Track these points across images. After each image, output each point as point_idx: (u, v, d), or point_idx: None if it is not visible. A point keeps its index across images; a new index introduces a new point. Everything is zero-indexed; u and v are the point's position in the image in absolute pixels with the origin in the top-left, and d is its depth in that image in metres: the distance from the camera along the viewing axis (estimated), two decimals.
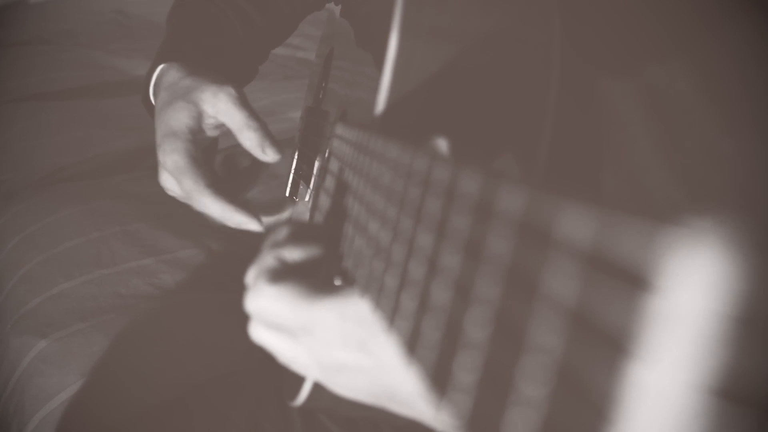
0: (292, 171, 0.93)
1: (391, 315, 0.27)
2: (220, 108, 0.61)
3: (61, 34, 1.77)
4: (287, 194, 0.91)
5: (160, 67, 0.70)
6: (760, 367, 0.12)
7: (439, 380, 0.21)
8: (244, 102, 0.62)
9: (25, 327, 0.91)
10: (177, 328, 0.87)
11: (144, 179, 1.16)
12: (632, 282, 0.13)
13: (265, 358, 0.49)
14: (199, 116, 0.62)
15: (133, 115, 1.37)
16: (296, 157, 0.94)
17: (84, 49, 1.69)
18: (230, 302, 0.89)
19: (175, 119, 0.63)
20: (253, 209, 0.63)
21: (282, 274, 0.41)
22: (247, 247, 0.99)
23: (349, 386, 0.39)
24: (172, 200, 0.69)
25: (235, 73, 0.75)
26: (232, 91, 0.61)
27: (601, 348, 0.14)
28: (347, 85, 0.73)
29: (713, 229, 0.12)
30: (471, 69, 0.46)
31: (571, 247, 0.16)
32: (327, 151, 0.67)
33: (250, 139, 0.61)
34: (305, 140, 0.90)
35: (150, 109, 0.73)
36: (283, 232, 0.46)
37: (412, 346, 0.24)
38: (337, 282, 0.45)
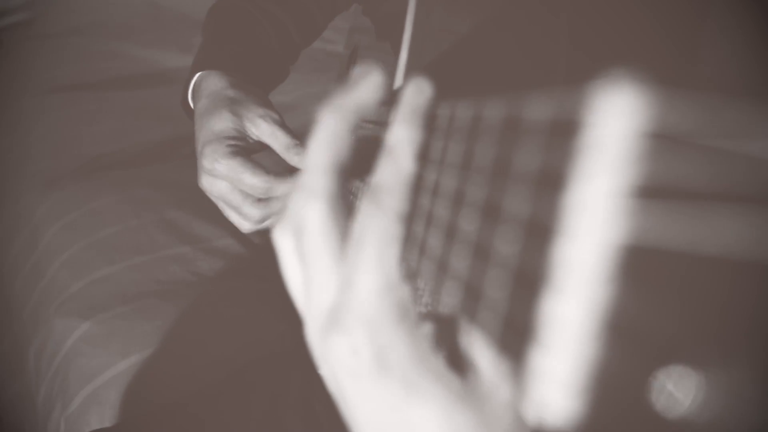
0: None
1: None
2: (265, 131, 0.65)
3: (93, 26, 1.80)
4: None
5: (201, 72, 0.73)
6: (670, 169, 0.16)
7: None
8: (286, 127, 0.67)
9: (69, 310, 0.95)
10: (216, 313, 0.90)
11: (180, 168, 1.19)
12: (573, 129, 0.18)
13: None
14: (242, 129, 0.66)
15: (167, 106, 1.41)
16: None
17: (116, 41, 1.72)
18: (267, 291, 0.93)
19: (220, 126, 0.66)
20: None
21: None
22: None
23: None
24: None
25: (270, 78, 0.78)
26: (276, 117, 0.66)
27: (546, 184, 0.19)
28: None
29: (627, 76, 0.17)
30: (483, 39, 0.48)
31: (535, 126, 0.20)
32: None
33: (293, 158, 0.67)
34: None
35: (189, 112, 0.76)
36: None
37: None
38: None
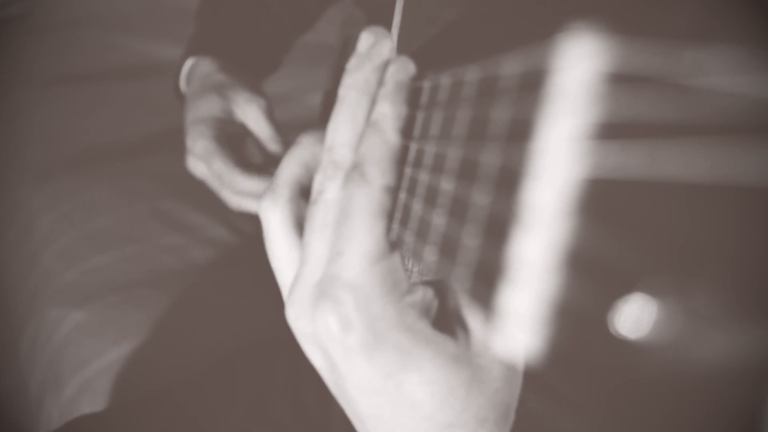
0: None
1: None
2: (250, 116, 0.66)
3: (91, 18, 1.80)
4: None
5: (192, 59, 0.74)
6: (627, 108, 0.17)
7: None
8: (271, 115, 0.67)
9: (62, 299, 0.95)
10: (208, 302, 0.90)
11: (174, 159, 1.20)
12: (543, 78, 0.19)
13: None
14: (228, 111, 0.66)
15: (161, 98, 1.41)
16: None
17: (113, 33, 1.72)
18: (259, 280, 0.93)
19: (206, 108, 0.66)
20: None
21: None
22: None
23: None
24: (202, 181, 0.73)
25: (262, 66, 0.78)
26: (263, 103, 0.66)
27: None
28: None
29: (589, 26, 0.17)
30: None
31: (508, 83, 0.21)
32: None
33: (275, 150, 0.68)
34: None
35: (180, 97, 0.76)
36: None
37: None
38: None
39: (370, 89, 0.34)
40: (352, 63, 0.35)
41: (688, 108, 0.16)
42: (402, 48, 0.54)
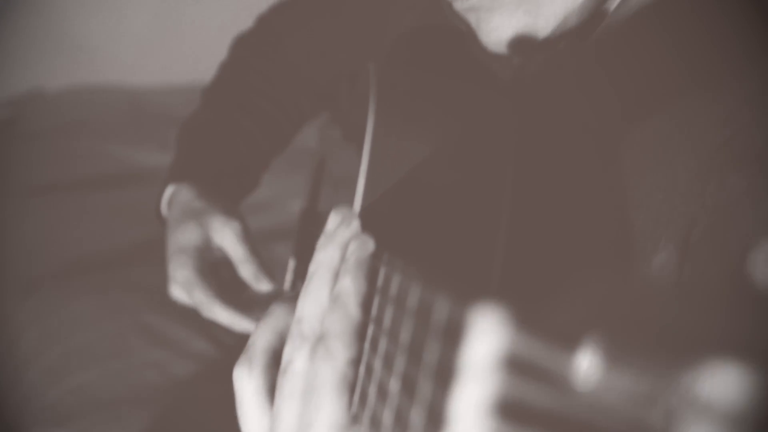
0: (292, 269, 0.99)
1: None
2: (225, 240, 0.70)
3: (76, 125, 1.86)
4: (286, 289, 0.97)
5: (173, 185, 0.78)
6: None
7: None
8: (246, 237, 0.71)
9: (46, 419, 0.96)
10: (190, 419, 0.92)
11: (156, 270, 1.23)
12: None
13: None
14: (207, 239, 0.70)
15: (145, 207, 1.45)
16: (294, 258, 1.00)
17: (98, 139, 1.77)
18: None
19: (186, 238, 0.70)
20: (257, 308, 0.71)
21: None
22: None
23: None
24: None
25: (240, 188, 0.82)
26: (237, 225, 0.70)
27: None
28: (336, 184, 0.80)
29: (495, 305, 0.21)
30: (430, 186, 0.52)
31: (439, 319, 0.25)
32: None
33: (247, 272, 0.71)
34: (302, 243, 0.96)
35: (162, 221, 0.80)
36: None
37: None
38: None
39: (335, 265, 0.38)
40: (320, 241, 0.39)
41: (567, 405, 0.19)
42: (371, 185, 0.57)
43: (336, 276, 0.38)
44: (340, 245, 0.38)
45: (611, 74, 0.45)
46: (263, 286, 0.71)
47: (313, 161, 1.09)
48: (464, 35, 0.50)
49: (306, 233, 0.95)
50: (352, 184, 0.71)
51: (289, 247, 1.05)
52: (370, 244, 0.37)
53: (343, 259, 0.38)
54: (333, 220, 0.40)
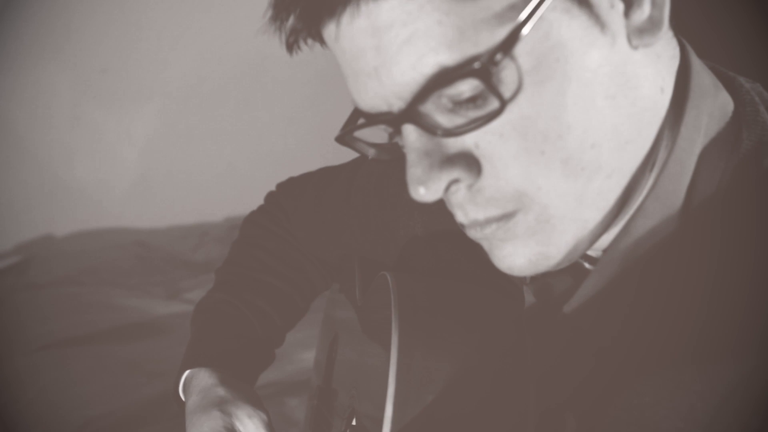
0: None
1: None
2: (251, 431, 0.70)
3: (86, 271, 1.88)
4: None
5: (189, 370, 0.78)
6: None
7: None
8: (270, 426, 0.71)
9: None
10: None
11: (168, 428, 1.21)
12: None
13: None
14: (231, 428, 0.70)
15: (156, 360, 1.45)
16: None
17: (107, 287, 1.79)
18: None
19: (209, 426, 0.70)
20: None
21: None
22: None
23: None
24: None
25: (257, 367, 0.83)
26: (264, 417, 0.71)
27: None
28: (353, 365, 0.80)
29: None
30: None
31: None
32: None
33: None
34: (317, 419, 0.96)
35: (179, 404, 0.80)
36: None
37: None
38: None
39: None
40: None
41: None
42: (399, 411, 0.56)
43: None
44: None
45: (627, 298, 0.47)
46: None
47: (323, 319, 1.09)
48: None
49: (321, 412, 0.94)
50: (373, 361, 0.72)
51: (301, 400, 1.04)
52: None
53: None
54: None
